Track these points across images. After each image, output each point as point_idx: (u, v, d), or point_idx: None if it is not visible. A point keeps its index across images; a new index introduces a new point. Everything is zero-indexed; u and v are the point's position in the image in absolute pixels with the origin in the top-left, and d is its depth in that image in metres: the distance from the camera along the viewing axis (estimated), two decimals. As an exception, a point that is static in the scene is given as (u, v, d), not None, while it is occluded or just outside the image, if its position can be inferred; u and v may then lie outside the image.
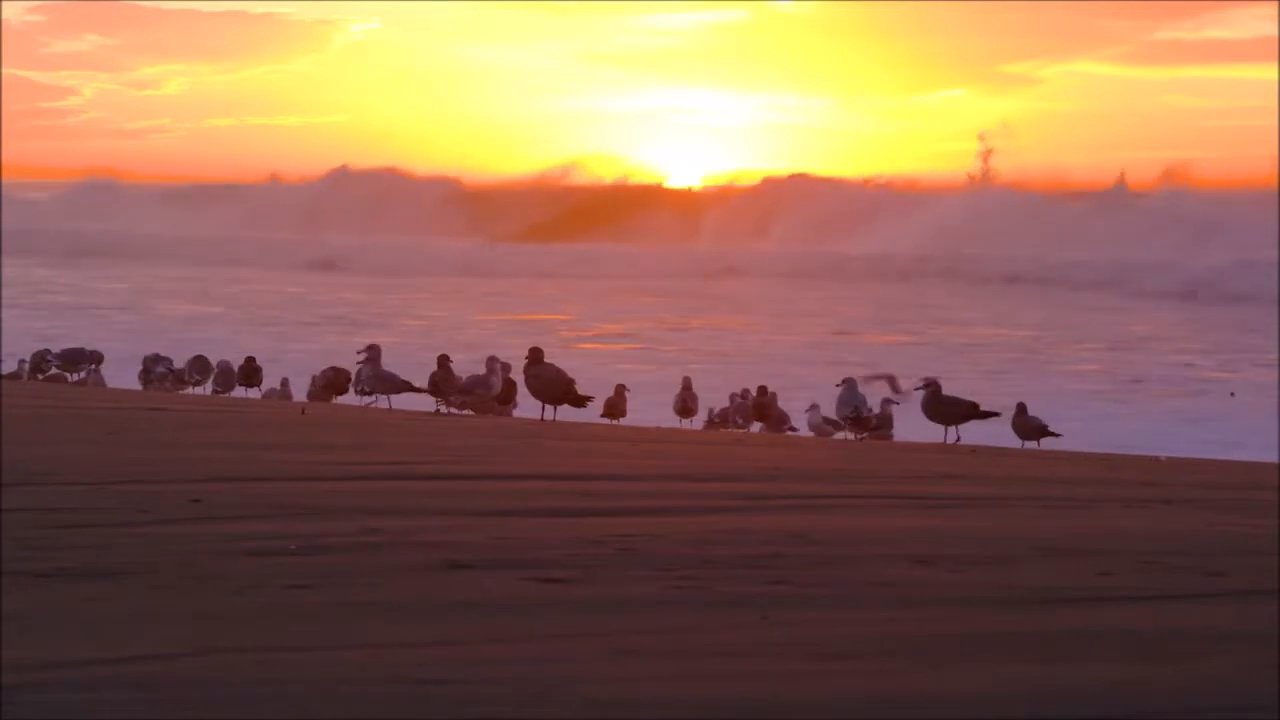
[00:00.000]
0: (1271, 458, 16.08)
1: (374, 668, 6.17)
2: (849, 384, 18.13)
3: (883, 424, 18.25)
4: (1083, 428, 22.09)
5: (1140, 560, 8.73)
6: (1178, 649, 6.74)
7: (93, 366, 23.18)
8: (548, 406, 17.67)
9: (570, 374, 17.85)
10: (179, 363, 23.00)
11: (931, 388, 17.45)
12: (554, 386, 17.54)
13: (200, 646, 6.41)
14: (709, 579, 7.87)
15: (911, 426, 18.14)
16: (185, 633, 6.65)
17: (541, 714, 5.66)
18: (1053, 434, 17.54)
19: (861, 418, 17.77)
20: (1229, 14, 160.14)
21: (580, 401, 17.88)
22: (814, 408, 19.53)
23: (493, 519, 9.53)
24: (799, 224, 77.19)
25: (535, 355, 17.71)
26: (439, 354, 18.66)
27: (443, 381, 18.11)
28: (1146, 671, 6.36)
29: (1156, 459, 15.67)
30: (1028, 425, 17.49)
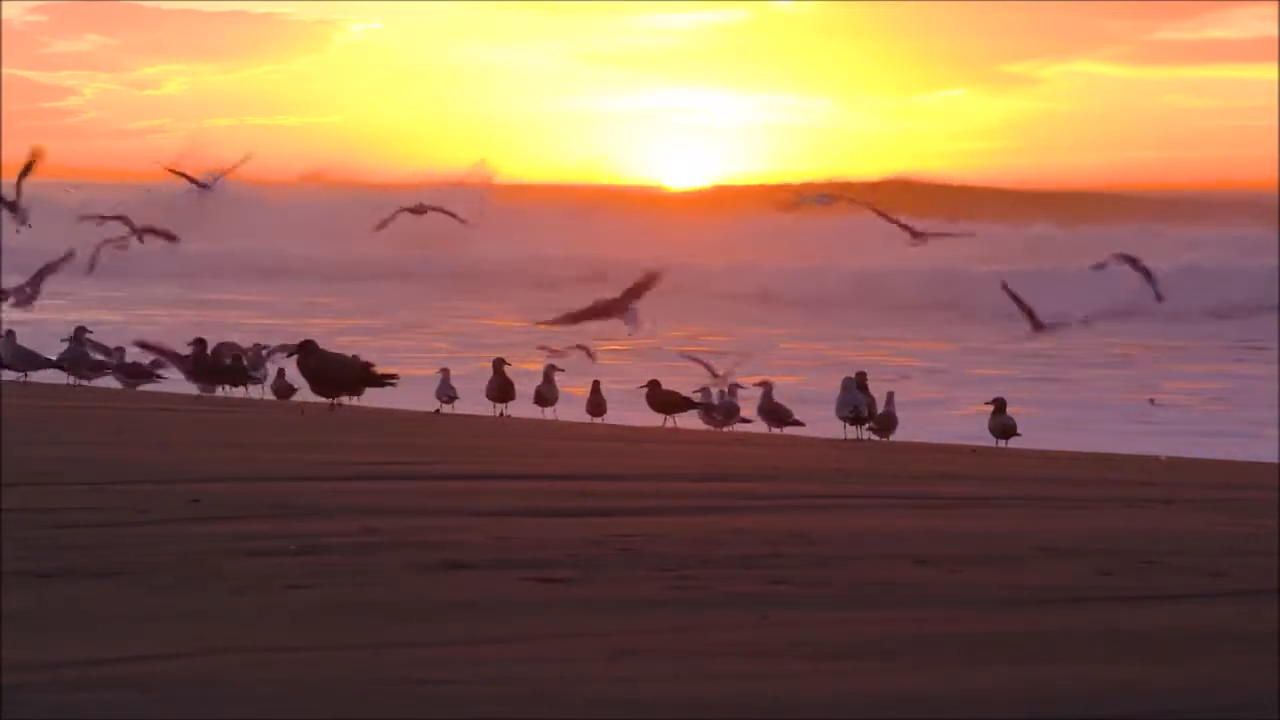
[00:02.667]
0: (1271, 458, 16.05)
1: (374, 668, 6.17)
2: (846, 383, 17.96)
3: (884, 425, 18.10)
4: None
5: (1140, 560, 8.72)
6: (1178, 649, 6.74)
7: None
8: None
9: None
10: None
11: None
12: (342, 371, 17.07)
13: (200, 646, 6.41)
14: (709, 579, 7.86)
15: (912, 427, 18.09)
16: (185, 633, 6.64)
17: (541, 714, 5.66)
18: (1017, 434, 17.36)
19: (861, 418, 17.68)
20: (1229, 14, 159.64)
21: (380, 381, 17.32)
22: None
23: (493, 519, 9.52)
24: None
25: (306, 344, 17.00)
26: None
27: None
28: (1146, 671, 6.36)
29: (1157, 459, 15.65)
30: (1002, 425, 17.33)
